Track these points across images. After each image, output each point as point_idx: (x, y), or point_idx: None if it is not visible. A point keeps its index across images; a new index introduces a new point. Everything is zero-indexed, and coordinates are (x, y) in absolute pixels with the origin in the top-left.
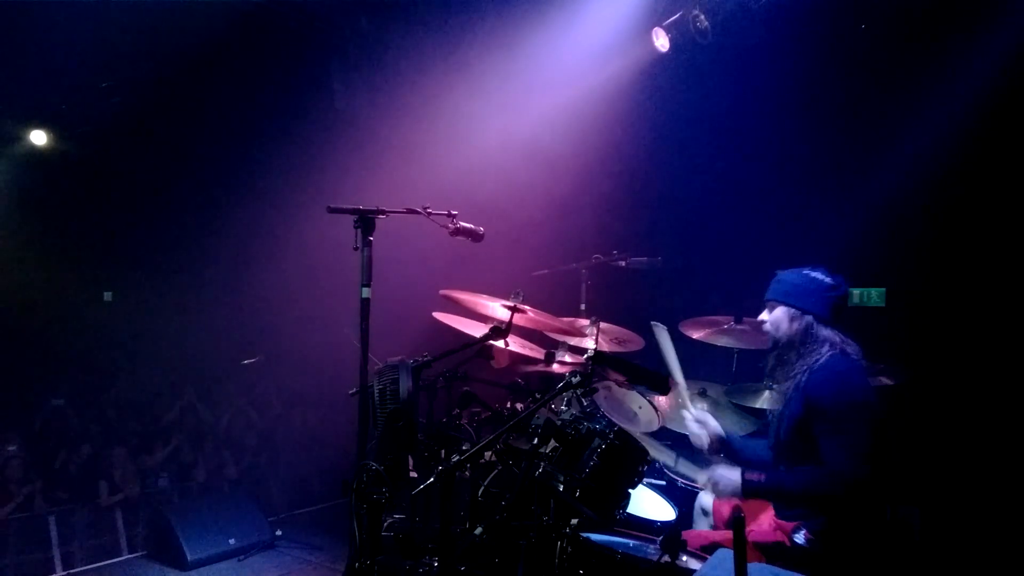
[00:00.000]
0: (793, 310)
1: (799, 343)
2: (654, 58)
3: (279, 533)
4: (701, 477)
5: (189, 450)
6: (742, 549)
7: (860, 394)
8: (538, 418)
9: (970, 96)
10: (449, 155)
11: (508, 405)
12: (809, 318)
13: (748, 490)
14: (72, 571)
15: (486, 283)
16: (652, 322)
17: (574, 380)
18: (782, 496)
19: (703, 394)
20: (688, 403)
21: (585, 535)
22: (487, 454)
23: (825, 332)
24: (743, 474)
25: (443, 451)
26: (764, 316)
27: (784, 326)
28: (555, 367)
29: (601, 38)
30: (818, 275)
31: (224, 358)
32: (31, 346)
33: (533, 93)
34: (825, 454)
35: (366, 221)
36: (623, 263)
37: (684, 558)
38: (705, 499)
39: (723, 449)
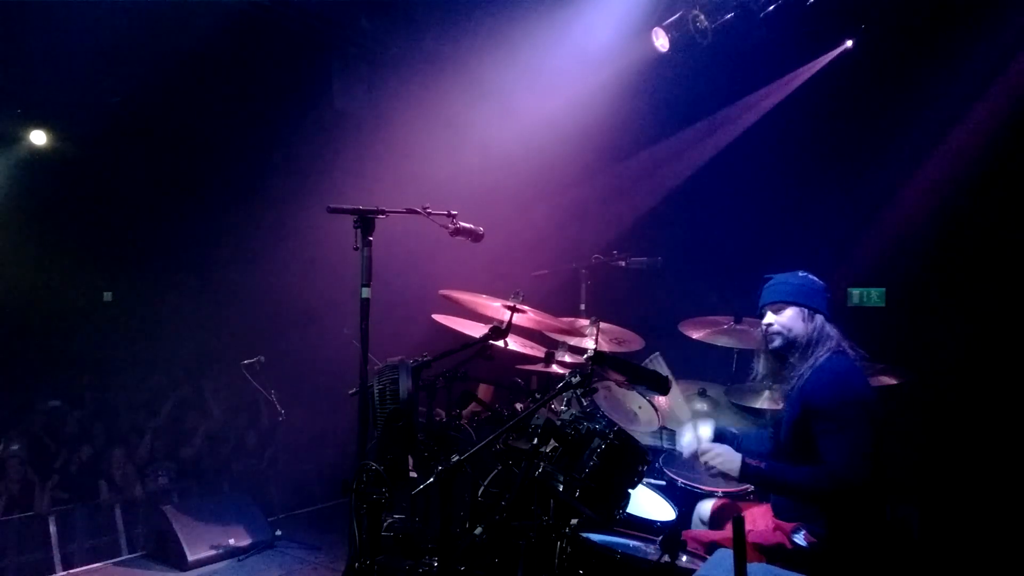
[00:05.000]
0: (806, 310)
1: (807, 343)
2: (654, 58)
3: (279, 533)
4: (704, 444)
5: (189, 449)
6: (742, 549)
7: (860, 394)
8: (538, 418)
9: (971, 96)
10: (449, 155)
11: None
12: (820, 317)
13: (745, 474)
14: (72, 571)
15: (486, 283)
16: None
17: (574, 380)
18: (778, 487)
19: (703, 394)
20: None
21: (585, 535)
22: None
23: (832, 331)
24: (744, 457)
25: (443, 451)
26: (771, 319)
27: (798, 327)
28: (555, 367)
29: (601, 38)
30: (812, 277)
31: (224, 358)
32: (31, 346)
33: (533, 93)
34: (825, 454)
35: (366, 221)
36: (623, 263)
37: (684, 558)
38: (704, 507)
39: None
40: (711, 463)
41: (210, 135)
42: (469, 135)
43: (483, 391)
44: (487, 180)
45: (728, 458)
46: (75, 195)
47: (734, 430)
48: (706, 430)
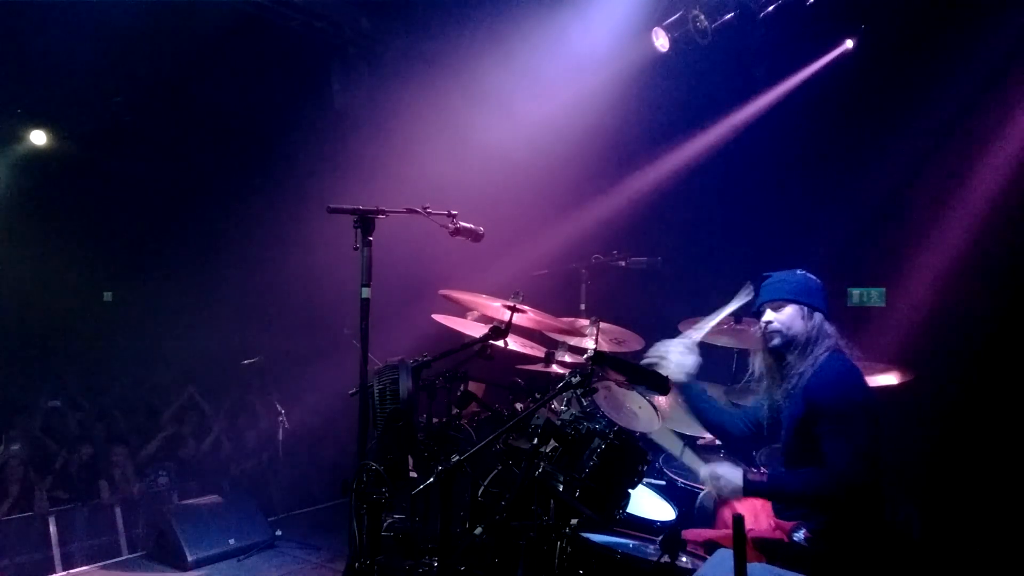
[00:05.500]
0: (805, 308)
1: (806, 342)
2: (654, 58)
3: (279, 533)
4: (703, 471)
5: (189, 449)
6: (742, 549)
7: (860, 393)
8: (538, 418)
9: (972, 96)
10: (449, 155)
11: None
12: (819, 316)
13: (749, 489)
14: (72, 571)
15: (486, 283)
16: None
17: (574, 380)
18: (783, 496)
19: None
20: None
21: (585, 535)
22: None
23: (830, 329)
24: (745, 474)
25: (443, 451)
26: (771, 316)
27: (798, 325)
28: (555, 367)
29: (601, 38)
30: (811, 275)
31: (224, 358)
32: (31, 346)
33: (533, 93)
34: (827, 454)
35: (366, 221)
36: (623, 263)
37: (684, 558)
38: (706, 503)
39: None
40: (717, 488)
41: (210, 135)
42: (469, 135)
43: (473, 388)
44: (487, 180)
45: (729, 480)
46: (75, 195)
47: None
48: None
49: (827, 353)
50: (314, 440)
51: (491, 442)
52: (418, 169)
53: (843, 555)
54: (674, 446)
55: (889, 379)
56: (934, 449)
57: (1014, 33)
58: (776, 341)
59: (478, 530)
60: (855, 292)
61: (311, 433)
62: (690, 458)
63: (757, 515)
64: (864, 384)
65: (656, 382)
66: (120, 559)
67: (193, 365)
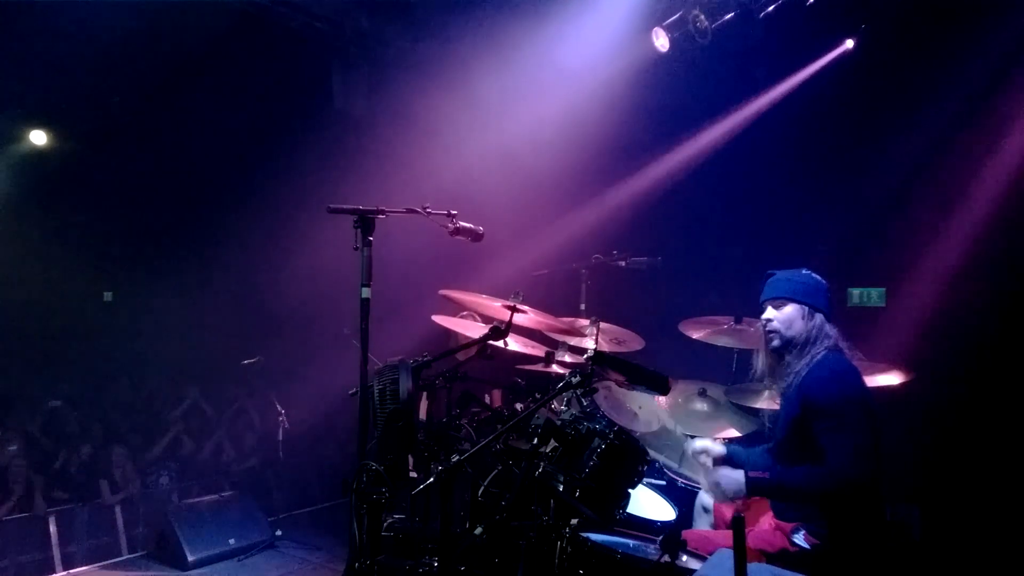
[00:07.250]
0: (806, 308)
1: (805, 341)
2: (654, 58)
3: (279, 533)
4: (704, 481)
5: (190, 449)
6: (742, 549)
7: (858, 392)
8: (538, 418)
9: (973, 95)
10: (449, 155)
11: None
12: (820, 316)
13: (752, 488)
14: (72, 571)
15: (486, 283)
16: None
17: (574, 380)
18: (785, 493)
19: (703, 394)
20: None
21: (585, 535)
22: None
23: (831, 330)
24: (747, 472)
25: (443, 451)
26: (771, 314)
27: (798, 324)
28: (555, 367)
29: (601, 38)
30: (816, 275)
31: (224, 358)
32: (31, 346)
33: (533, 93)
34: (826, 452)
35: (366, 221)
36: (623, 263)
37: (684, 558)
38: (706, 497)
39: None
40: (721, 495)
41: (210, 135)
42: (469, 135)
43: (495, 396)
44: (487, 180)
45: (732, 481)
46: (75, 195)
47: (741, 449)
48: (717, 446)
49: (824, 352)
50: (314, 440)
51: (491, 442)
52: (418, 169)
53: (843, 556)
54: (672, 457)
55: (889, 379)
56: (934, 449)
57: (1014, 33)
58: (776, 343)
59: (478, 530)
60: (855, 292)
61: (311, 433)
62: (690, 468)
63: (758, 517)
64: (861, 382)
65: (656, 382)
66: (120, 559)
67: (193, 365)
